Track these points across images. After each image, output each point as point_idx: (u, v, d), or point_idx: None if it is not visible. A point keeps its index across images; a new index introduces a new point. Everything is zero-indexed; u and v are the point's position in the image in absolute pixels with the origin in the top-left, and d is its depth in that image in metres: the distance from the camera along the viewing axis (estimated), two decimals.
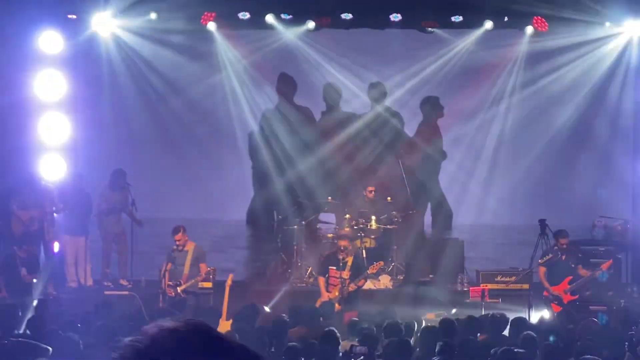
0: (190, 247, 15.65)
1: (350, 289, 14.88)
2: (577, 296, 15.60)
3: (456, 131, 18.87)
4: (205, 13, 16.32)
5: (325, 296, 14.99)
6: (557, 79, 18.15)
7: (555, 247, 15.60)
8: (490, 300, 15.55)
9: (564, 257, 15.56)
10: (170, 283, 15.39)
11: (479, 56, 18.02)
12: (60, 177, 17.06)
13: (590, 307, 16.06)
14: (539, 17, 16.78)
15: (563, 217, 17.73)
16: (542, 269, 15.59)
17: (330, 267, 15.21)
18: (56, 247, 16.28)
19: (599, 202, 18.03)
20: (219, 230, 18.57)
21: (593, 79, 18.06)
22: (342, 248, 15.19)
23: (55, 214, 16.53)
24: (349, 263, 15.07)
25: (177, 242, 15.55)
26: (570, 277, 15.53)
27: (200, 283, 15.67)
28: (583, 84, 18.17)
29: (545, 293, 15.62)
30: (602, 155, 18.62)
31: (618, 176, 18.32)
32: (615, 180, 18.37)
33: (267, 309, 14.20)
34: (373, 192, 17.46)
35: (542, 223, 16.67)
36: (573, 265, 15.62)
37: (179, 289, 15.36)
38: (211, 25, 16.58)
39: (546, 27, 17.07)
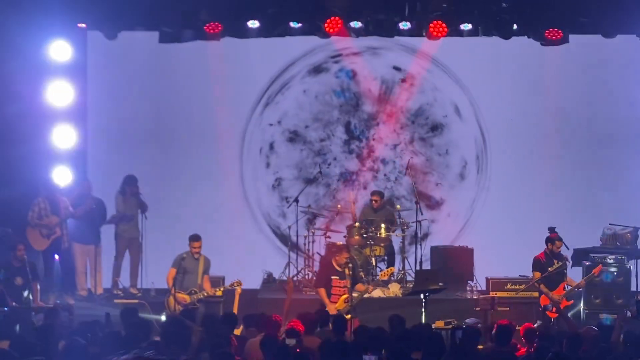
0: (201, 257, 15.76)
1: (357, 299, 14.78)
2: (572, 301, 15.62)
3: None
4: (211, 23, 16.29)
5: (330, 307, 14.65)
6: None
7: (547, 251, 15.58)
8: (500, 308, 15.59)
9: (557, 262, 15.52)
10: (182, 292, 15.43)
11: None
12: (70, 183, 17.13)
13: (600, 315, 16.10)
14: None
15: (573, 223, 17.77)
16: (538, 275, 15.48)
17: (332, 277, 15.05)
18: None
19: (611, 208, 18.02)
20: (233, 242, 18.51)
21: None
22: (345, 259, 14.99)
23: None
24: (347, 272, 14.71)
25: (196, 250, 15.64)
26: (565, 283, 15.52)
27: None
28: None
29: (542, 301, 15.55)
30: (615, 160, 18.61)
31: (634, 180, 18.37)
32: (630, 185, 18.39)
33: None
34: (378, 202, 17.47)
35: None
36: (565, 271, 15.61)
37: (194, 298, 15.39)
38: (218, 35, 16.57)
39: (560, 36, 17.00)
